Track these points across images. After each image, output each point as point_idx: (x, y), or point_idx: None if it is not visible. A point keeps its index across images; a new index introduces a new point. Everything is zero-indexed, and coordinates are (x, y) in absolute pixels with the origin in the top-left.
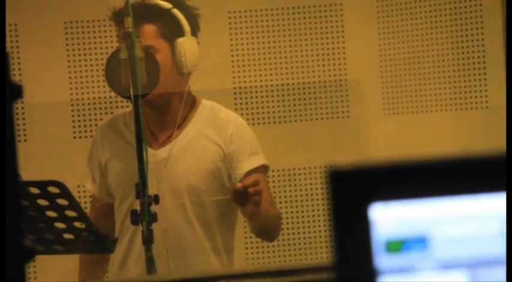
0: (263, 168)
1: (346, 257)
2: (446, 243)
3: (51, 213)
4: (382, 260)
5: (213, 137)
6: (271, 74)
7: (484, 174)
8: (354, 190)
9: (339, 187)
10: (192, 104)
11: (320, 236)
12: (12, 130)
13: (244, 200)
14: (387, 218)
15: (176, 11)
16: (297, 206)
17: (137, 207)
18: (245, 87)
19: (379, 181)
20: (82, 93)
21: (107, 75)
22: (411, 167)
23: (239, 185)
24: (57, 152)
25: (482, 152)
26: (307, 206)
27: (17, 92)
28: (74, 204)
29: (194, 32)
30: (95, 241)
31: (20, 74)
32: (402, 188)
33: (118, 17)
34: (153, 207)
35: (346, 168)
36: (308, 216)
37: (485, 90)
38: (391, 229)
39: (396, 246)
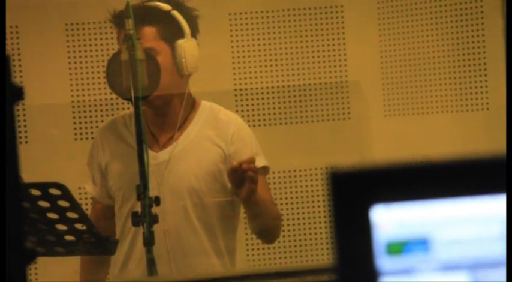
0: (263, 170)
1: (347, 259)
2: (448, 245)
3: (52, 215)
4: (383, 262)
5: (213, 138)
6: (271, 76)
7: (485, 176)
8: (355, 192)
9: (339, 189)
10: (192, 105)
11: (321, 238)
12: (13, 132)
13: (240, 180)
14: (388, 219)
15: (176, 13)
16: (297, 208)
17: (138, 209)
18: (246, 89)
19: (380, 183)
20: (83, 95)
21: (108, 77)
22: (412, 169)
23: (234, 163)
24: (58, 154)
25: (483, 153)
26: (308, 207)
27: (18, 94)
28: (75, 206)
29: (194, 34)
30: (96, 243)
31: (21, 76)
32: (403, 190)
33: (118, 19)
34: (154, 209)
35: (347, 170)
36: (309, 218)
37: (486, 92)
38: (392, 231)
39: (397, 248)
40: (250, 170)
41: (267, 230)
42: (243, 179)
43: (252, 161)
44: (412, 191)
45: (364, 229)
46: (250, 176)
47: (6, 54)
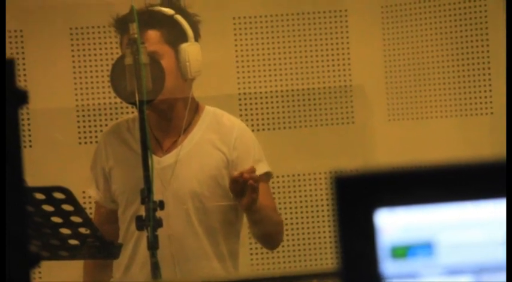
0: (266, 176)
1: (351, 263)
2: (452, 249)
3: (56, 219)
4: (387, 266)
5: (216, 143)
6: (276, 80)
7: (489, 181)
8: (359, 196)
9: (344, 193)
10: (195, 109)
11: (325, 242)
12: (17, 135)
13: (241, 189)
14: (392, 224)
15: (179, 17)
16: (301, 212)
17: (142, 213)
18: (250, 93)
19: (384, 187)
20: (87, 99)
21: (112, 81)
22: (416, 173)
23: (236, 173)
24: (62, 158)
25: (487, 158)
26: (312, 211)
27: (22, 97)
28: (79, 210)
29: (196, 39)
30: (100, 247)
31: (25, 80)
32: (407, 194)
33: (120, 24)
34: (158, 213)
35: (351, 174)
36: (313, 222)
37: (490, 96)
38: (396, 235)
39: (401, 252)
40: (252, 179)
41: (269, 236)
42: (244, 188)
43: (252, 170)
44: (416, 195)
45: (368, 233)
46: (252, 185)
47: (12, 58)
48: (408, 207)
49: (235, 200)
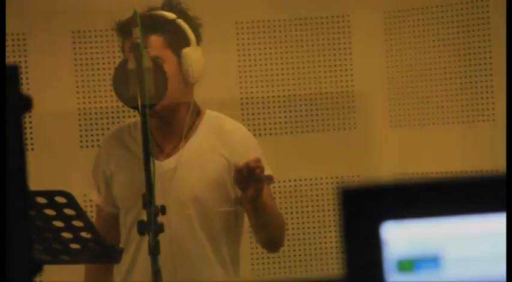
0: (268, 179)
1: (357, 275)
2: (458, 262)
3: (58, 223)
4: (393, 279)
5: (218, 147)
6: (278, 85)
7: (495, 194)
8: (366, 208)
9: (350, 205)
10: (197, 114)
11: (327, 248)
12: (21, 141)
13: (246, 180)
14: (399, 237)
15: (181, 21)
16: (303, 217)
17: (143, 217)
18: (252, 98)
19: (391, 199)
20: (89, 103)
21: (115, 85)
22: (423, 186)
23: (241, 164)
24: (64, 161)
25: (493, 171)
26: (314, 217)
27: (27, 104)
28: (80, 214)
29: (197, 42)
30: (102, 251)
31: (27, 83)
32: (414, 207)
33: (123, 28)
34: (160, 218)
35: (357, 186)
36: (315, 227)
37: (492, 103)
38: (402, 248)
39: (408, 265)
40: (258, 168)
41: (274, 237)
42: (248, 179)
43: (258, 160)
44: (423, 208)
45: (374, 246)
46: (258, 174)
47: (15, 65)
48: (415, 220)
49: (240, 196)
